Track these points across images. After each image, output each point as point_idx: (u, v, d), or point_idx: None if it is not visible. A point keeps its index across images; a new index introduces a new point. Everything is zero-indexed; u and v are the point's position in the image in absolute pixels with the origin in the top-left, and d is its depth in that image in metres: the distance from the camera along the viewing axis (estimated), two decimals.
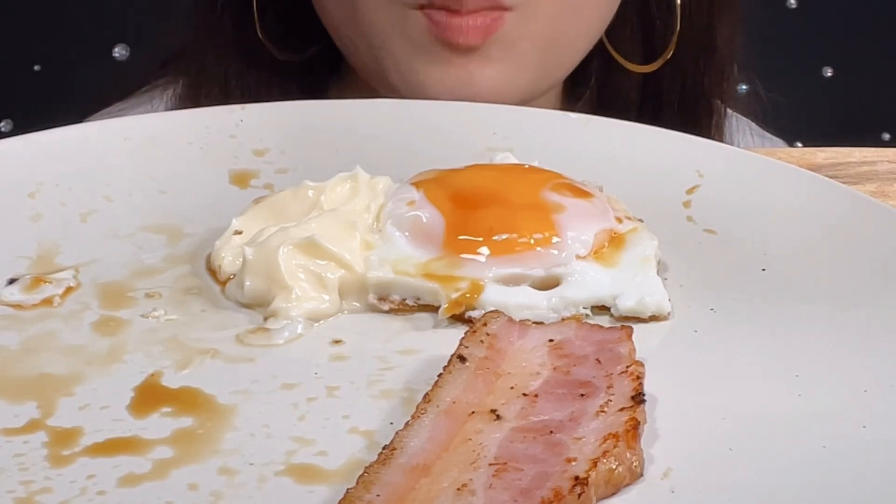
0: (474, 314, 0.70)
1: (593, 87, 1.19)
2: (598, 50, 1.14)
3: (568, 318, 0.70)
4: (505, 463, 0.58)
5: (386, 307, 0.71)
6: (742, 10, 1.18)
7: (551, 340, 0.66)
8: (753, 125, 1.26)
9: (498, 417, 0.61)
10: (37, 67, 1.78)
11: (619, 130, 0.87)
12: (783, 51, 1.72)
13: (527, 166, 0.80)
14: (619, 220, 0.75)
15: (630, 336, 0.66)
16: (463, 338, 0.66)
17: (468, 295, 0.70)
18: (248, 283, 0.71)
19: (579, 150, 0.85)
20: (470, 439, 0.59)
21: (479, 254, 0.72)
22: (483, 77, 1.00)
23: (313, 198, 0.76)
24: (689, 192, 0.81)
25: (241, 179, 0.83)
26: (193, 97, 1.13)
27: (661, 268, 0.74)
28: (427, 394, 0.62)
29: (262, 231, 0.73)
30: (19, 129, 0.89)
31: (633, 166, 0.83)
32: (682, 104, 1.17)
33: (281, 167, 0.84)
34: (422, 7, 0.99)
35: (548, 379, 0.64)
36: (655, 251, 0.74)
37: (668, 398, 0.63)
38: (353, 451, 0.61)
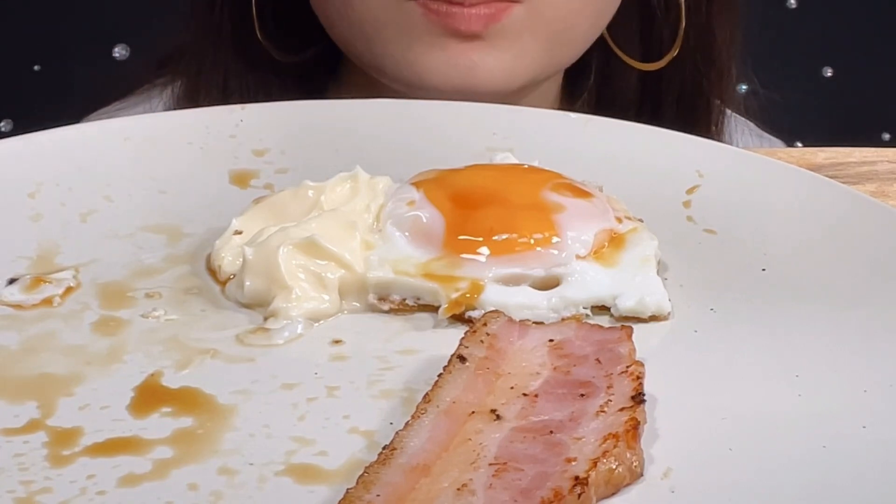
0: (474, 314, 0.70)
1: (592, 86, 1.19)
2: (598, 48, 1.14)
3: (568, 318, 0.70)
4: (505, 463, 0.58)
5: (386, 307, 0.71)
6: (742, 10, 1.19)
7: (551, 340, 0.66)
8: (752, 125, 1.26)
9: (498, 417, 0.61)
10: (37, 67, 1.78)
11: (619, 130, 0.87)
12: (783, 51, 1.72)
13: (527, 166, 0.80)
14: (619, 220, 0.75)
15: (630, 336, 0.66)
16: (463, 338, 0.66)
17: (468, 295, 0.70)
18: (248, 283, 0.71)
19: (579, 150, 0.85)
20: (470, 439, 0.59)
21: (479, 254, 0.72)
22: (484, 64, 1.00)
23: (313, 198, 0.76)
24: (689, 192, 0.81)
25: (241, 179, 0.83)
26: (192, 97, 1.13)
27: (661, 268, 0.74)
28: (427, 394, 0.62)
29: (262, 231, 0.73)
30: (19, 129, 0.89)
31: (633, 166, 0.83)
32: (681, 104, 1.17)
33: (281, 167, 0.84)
34: None
35: (548, 379, 0.64)
36: (655, 251, 0.74)
37: (668, 398, 0.63)
38: (353, 451, 0.60)
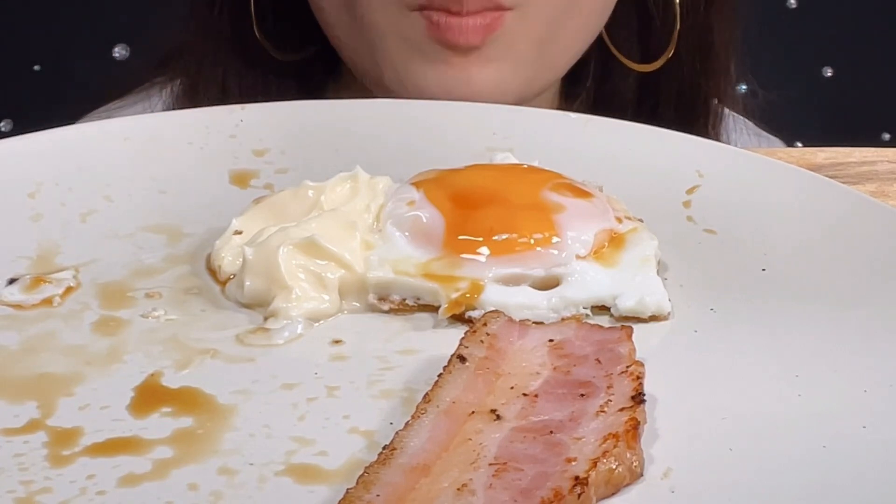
0: (474, 314, 0.70)
1: (590, 86, 1.19)
2: (596, 49, 1.14)
3: (568, 318, 0.70)
4: (505, 463, 0.58)
5: (386, 307, 0.71)
6: (741, 10, 1.18)
7: (551, 340, 0.66)
8: (750, 124, 1.26)
9: (498, 417, 0.61)
10: (37, 67, 1.78)
11: (618, 130, 0.87)
12: (783, 51, 1.72)
13: (527, 166, 0.80)
14: (619, 220, 0.75)
15: (630, 336, 0.66)
16: (463, 338, 0.66)
17: (468, 295, 0.70)
18: (248, 283, 0.71)
19: (579, 150, 0.85)
20: (470, 439, 0.59)
21: (479, 254, 0.72)
22: (481, 77, 1.00)
23: (313, 198, 0.76)
24: (689, 192, 0.81)
25: (241, 179, 0.83)
26: (191, 96, 1.13)
27: (661, 268, 0.74)
28: (427, 394, 0.62)
29: (262, 231, 0.73)
30: (19, 129, 0.89)
31: (633, 166, 0.83)
32: (680, 104, 1.17)
33: (281, 167, 0.84)
34: (421, 8, 0.98)
35: (548, 379, 0.64)
36: (655, 251, 0.74)
37: (668, 398, 0.63)
38: (353, 451, 0.60)
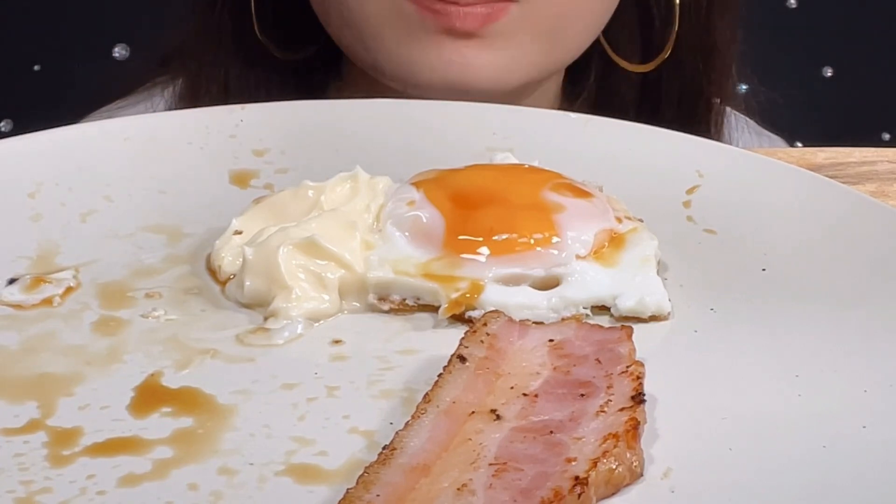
0: (474, 314, 0.70)
1: (591, 85, 1.19)
2: (597, 48, 1.14)
3: (568, 318, 0.70)
4: (505, 463, 0.57)
5: (386, 307, 0.71)
6: (742, 9, 1.19)
7: (551, 340, 0.66)
8: (752, 123, 1.26)
9: (498, 417, 0.61)
10: (37, 67, 1.78)
11: (618, 130, 0.87)
12: (783, 51, 1.71)
13: (527, 166, 0.80)
14: (619, 220, 0.75)
15: (630, 336, 0.66)
16: (463, 338, 0.66)
17: (468, 295, 0.70)
18: (248, 283, 0.71)
19: (579, 150, 0.85)
20: (470, 439, 0.59)
21: (479, 254, 0.72)
22: (478, 63, 1.00)
23: (313, 198, 0.76)
24: (689, 192, 0.81)
25: (241, 179, 0.83)
26: (193, 95, 1.13)
27: (661, 268, 0.74)
28: (427, 394, 0.62)
29: (262, 231, 0.73)
30: (19, 129, 0.89)
31: (633, 166, 0.83)
32: (682, 103, 1.17)
33: (281, 167, 0.84)
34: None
35: (548, 379, 0.64)
36: (655, 251, 0.74)
37: (668, 398, 0.63)
38: (353, 451, 0.60)
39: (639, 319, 0.70)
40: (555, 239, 0.73)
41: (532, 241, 0.73)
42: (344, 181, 0.77)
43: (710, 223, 0.79)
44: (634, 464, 0.58)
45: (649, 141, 0.86)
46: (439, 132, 0.87)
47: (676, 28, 1.12)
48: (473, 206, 0.74)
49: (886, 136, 1.82)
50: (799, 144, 1.28)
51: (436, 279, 0.71)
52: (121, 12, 1.70)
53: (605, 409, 0.61)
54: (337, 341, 0.69)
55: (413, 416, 0.61)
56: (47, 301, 0.71)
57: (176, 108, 1.13)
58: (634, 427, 0.59)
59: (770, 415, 0.63)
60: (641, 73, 1.16)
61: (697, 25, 1.14)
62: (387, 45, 1.02)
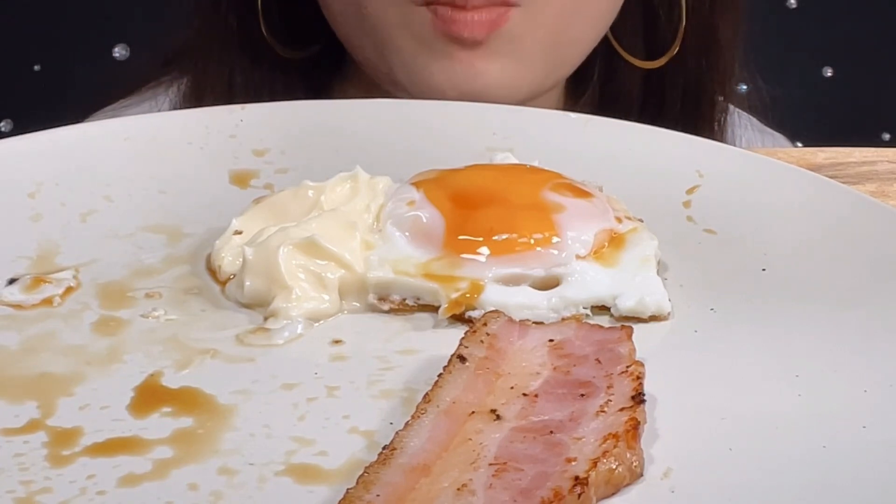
0: (474, 314, 0.70)
1: (596, 83, 1.19)
2: (601, 47, 1.14)
3: (568, 318, 0.70)
4: (505, 463, 0.57)
5: (386, 307, 0.71)
6: (744, 8, 1.19)
7: (551, 340, 0.66)
8: (755, 121, 1.27)
9: (498, 417, 0.61)
10: (37, 67, 1.78)
11: (619, 130, 0.87)
12: (783, 51, 1.72)
13: (527, 166, 0.80)
14: (619, 220, 0.75)
15: (630, 336, 0.66)
16: (463, 338, 0.66)
17: (468, 295, 0.70)
18: (248, 283, 0.71)
19: (579, 150, 0.85)
20: (470, 439, 0.59)
21: (479, 254, 0.72)
22: (488, 72, 1.01)
23: (313, 198, 0.76)
24: (689, 192, 0.81)
25: (241, 179, 0.83)
26: (198, 94, 1.14)
27: (661, 268, 0.74)
28: (427, 394, 0.62)
29: (262, 231, 0.73)
30: (19, 129, 0.89)
31: (633, 166, 0.83)
32: (685, 101, 1.17)
33: (281, 167, 0.84)
34: (427, 3, 0.99)
35: (548, 379, 0.64)
36: (655, 251, 0.74)
37: (668, 398, 0.63)
38: (353, 451, 0.60)
39: (639, 319, 0.70)
40: (555, 239, 0.73)
41: (532, 241, 0.73)
42: (344, 181, 0.77)
43: (710, 223, 0.79)
44: (634, 464, 0.58)
45: (649, 141, 0.86)
46: (439, 132, 0.87)
47: (684, 24, 1.12)
48: (473, 206, 0.74)
49: (886, 136, 1.82)
50: (799, 144, 1.28)
51: (436, 279, 0.71)
52: (121, 12, 1.70)
53: (605, 409, 0.61)
54: (337, 341, 0.69)
55: (413, 416, 0.61)
56: (47, 301, 0.71)
57: (181, 107, 1.13)
58: (634, 427, 0.59)
59: (770, 415, 0.63)
60: (644, 72, 1.16)
61: (701, 23, 1.14)
62: (400, 52, 1.02)
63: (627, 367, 0.64)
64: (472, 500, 0.55)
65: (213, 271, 0.74)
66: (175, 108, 1.14)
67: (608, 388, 0.62)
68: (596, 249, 0.73)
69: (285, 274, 0.70)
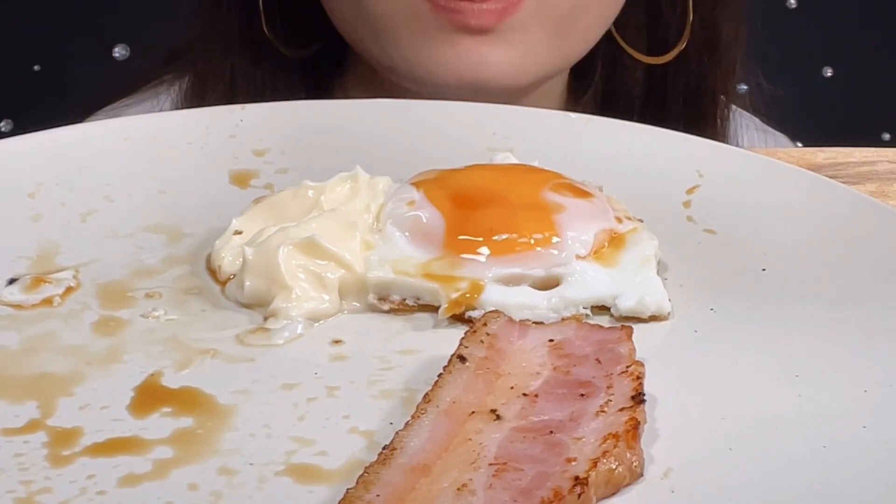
0: (474, 314, 0.70)
1: (598, 81, 1.19)
2: (604, 43, 1.14)
3: (568, 318, 0.70)
4: (505, 463, 0.57)
5: (386, 307, 0.71)
6: (745, 7, 1.19)
7: (551, 340, 0.66)
8: (757, 121, 1.27)
9: (498, 417, 0.61)
10: (37, 67, 1.78)
11: (619, 130, 0.87)
12: (783, 51, 1.72)
13: (527, 166, 0.80)
14: (619, 220, 0.75)
15: (630, 336, 0.66)
16: (463, 338, 0.66)
17: (468, 295, 0.70)
18: (248, 283, 0.71)
19: (579, 150, 0.85)
20: (470, 439, 0.59)
21: (479, 254, 0.72)
22: (493, 59, 1.00)
23: (313, 198, 0.76)
24: (689, 192, 0.81)
25: (241, 179, 0.83)
26: (199, 94, 1.14)
27: (661, 268, 0.74)
28: (427, 394, 0.62)
29: (262, 231, 0.73)
30: (19, 129, 0.89)
31: (633, 166, 0.83)
32: (687, 99, 1.17)
33: (281, 167, 0.84)
34: None
35: (548, 379, 0.64)
36: (655, 251, 0.74)
37: (668, 398, 0.63)
38: (353, 451, 0.60)
39: (639, 319, 0.70)
40: (555, 239, 0.73)
41: (532, 241, 0.73)
42: (344, 181, 0.77)
43: (710, 223, 0.79)
44: (634, 464, 0.58)
45: (649, 141, 0.86)
46: (439, 132, 0.87)
47: (690, 19, 1.12)
48: (473, 206, 0.74)
49: (886, 136, 1.82)
50: (799, 144, 1.28)
51: (436, 279, 0.71)
52: (121, 12, 1.70)
53: (605, 409, 0.61)
54: (337, 341, 0.69)
55: (413, 416, 0.61)
56: (47, 301, 0.71)
57: (182, 106, 1.14)
58: (634, 427, 0.59)
59: (770, 415, 0.63)
60: (646, 70, 1.17)
61: (703, 20, 1.14)
62: (402, 44, 1.02)
63: (627, 367, 0.64)
64: (472, 500, 0.55)
65: (213, 271, 0.74)
66: (176, 108, 1.14)
67: (608, 388, 0.62)
68: (596, 249, 0.73)
69: (285, 274, 0.70)
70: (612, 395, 0.62)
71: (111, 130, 0.86)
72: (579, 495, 0.56)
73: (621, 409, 0.60)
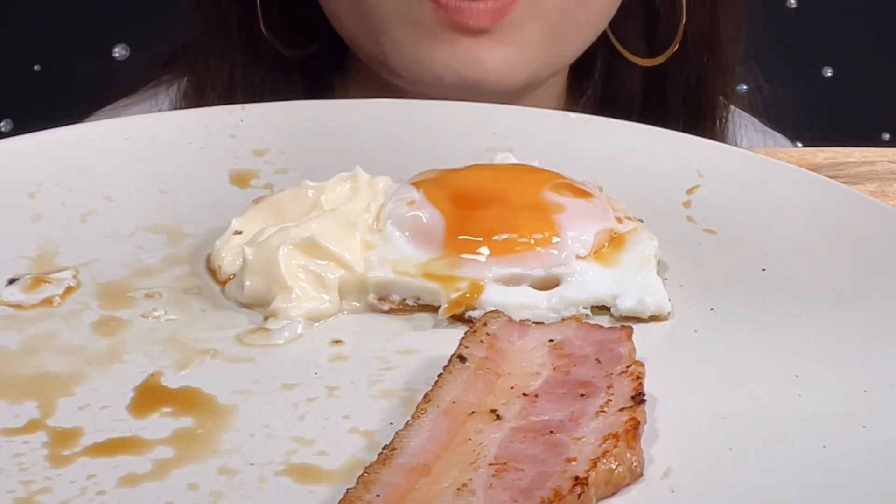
0: (474, 314, 0.70)
1: (597, 82, 1.19)
2: (603, 44, 1.14)
3: (568, 318, 0.70)
4: (505, 463, 0.57)
5: (386, 307, 0.71)
6: (744, 6, 1.19)
7: (551, 340, 0.66)
8: (756, 121, 1.27)
9: (498, 417, 0.61)
10: (37, 67, 1.78)
11: (619, 130, 0.87)
12: (783, 51, 1.72)
13: (527, 166, 0.80)
14: (619, 220, 0.75)
15: (630, 336, 0.66)
16: (463, 338, 0.66)
17: (468, 295, 0.70)
18: (248, 283, 0.71)
19: (579, 150, 0.85)
20: (470, 439, 0.59)
21: (479, 254, 0.72)
22: (490, 59, 1.01)
23: (313, 198, 0.76)
24: (689, 192, 0.81)
25: (241, 179, 0.83)
26: (198, 93, 1.14)
27: (661, 268, 0.74)
28: (427, 394, 0.62)
29: (262, 231, 0.73)
30: (19, 129, 0.89)
31: (633, 166, 0.83)
32: (686, 99, 1.17)
33: (281, 167, 0.84)
34: None
35: (548, 379, 0.64)
36: (655, 251, 0.74)
37: (668, 398, 0.63)
38: (353, 451, 0.60)
39: (639, 319, 0.70)
40: (555, 239, 0.73)
41: (532, 241, 0.73)
42: (344, 181, 0.77)
43: (710, 223, 0.79)
44: (634, 464, 0.58)
45: (649, 141, 0.86)
46: (439, 132, 0.87)
47: (683, 21, 1.12)
48: (473, 206, 0.74)
49: (886, 136, 1.82)
50: (799, 144, 1.28)
51: (436, 279, 0.71)
52: (121, 12, 1.70)
53: (605, 409, 0.61)
54: (337, 341, 0.69)
55: (413, 416, 0.61)
56: (47, 301, 0.71)
57: (181, 106, 1.14)
58: (634, 427, 0.59)
59: (770, 415, 0.63)
60: (646, 71, 1.17)
61: (702, 21, 1.14)
62: (400, 43, 1.02)
63: (627, 367, 0.64)
64: (472, 500, 0.55)
65: (213, 271, 0.74)
66: (175, 108, 1.14)
67: (608, 388, 0.62)
68: (596, 249, 0.73)
69: (285, 274, 0.71)
70: (612, 395, 0.62)
71: (111, 130, 0.86)
72: (579, 495, 0.56)
73: (621, 409, 0.60)
